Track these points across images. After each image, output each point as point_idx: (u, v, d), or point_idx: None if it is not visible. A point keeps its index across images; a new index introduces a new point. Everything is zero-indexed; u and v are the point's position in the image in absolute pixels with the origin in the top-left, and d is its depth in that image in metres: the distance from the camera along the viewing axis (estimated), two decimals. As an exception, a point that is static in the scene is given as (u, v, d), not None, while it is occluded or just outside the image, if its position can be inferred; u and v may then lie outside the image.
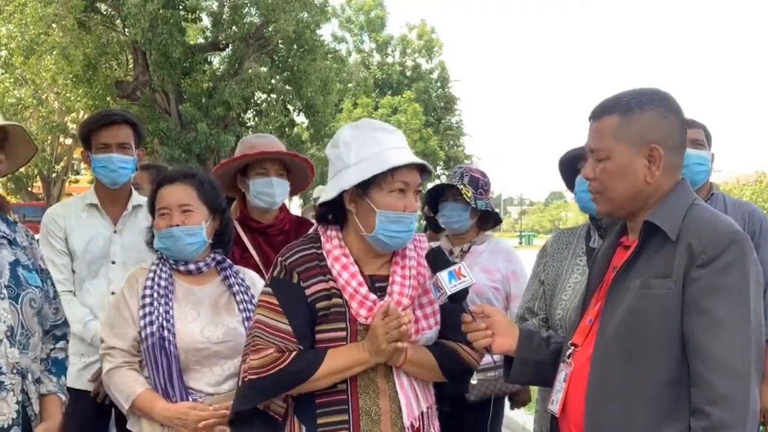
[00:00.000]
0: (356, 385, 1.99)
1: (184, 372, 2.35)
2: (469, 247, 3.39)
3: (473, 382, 3.12)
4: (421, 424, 2.04)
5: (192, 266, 2.46)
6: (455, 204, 3.32)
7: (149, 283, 2.41)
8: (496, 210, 3.47)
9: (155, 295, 2.38)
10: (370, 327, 1.96)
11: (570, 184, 2.75)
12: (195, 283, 2.47)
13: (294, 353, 1.96)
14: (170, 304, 2.38)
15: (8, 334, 1.96)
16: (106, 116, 3.05)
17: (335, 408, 1.98)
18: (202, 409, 2.28)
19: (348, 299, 1.99)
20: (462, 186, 3.29)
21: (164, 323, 2.33)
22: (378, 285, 2.04)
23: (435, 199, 3.45)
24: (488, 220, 3.44)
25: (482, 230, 3.47)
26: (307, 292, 1.99)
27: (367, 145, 2.02)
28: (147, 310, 2.36)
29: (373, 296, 2.00)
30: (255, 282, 2.59)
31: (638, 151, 1.75)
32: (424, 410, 2.05)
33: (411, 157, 2.01)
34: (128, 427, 2.37)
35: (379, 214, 1.98)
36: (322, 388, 1.98)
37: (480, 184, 3.35)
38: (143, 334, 2.33)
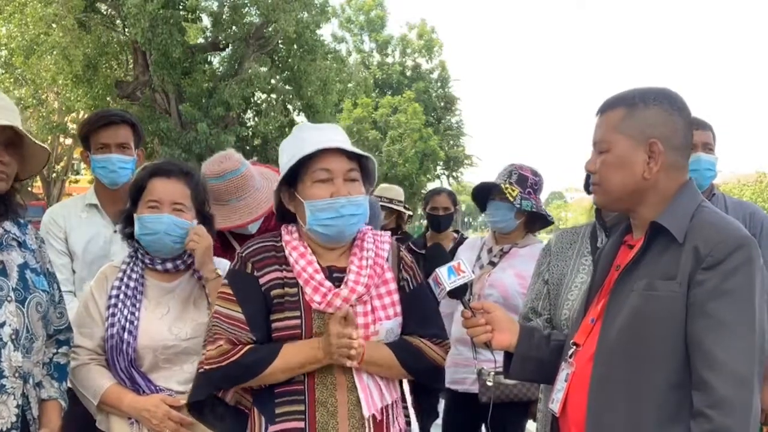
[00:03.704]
0: (313, 377, 1.99)
1: (153, 371, 2.32)
2: (510, 248, 3.34)
3: (488, 383, 3.09)
4: (384, 417, 2.03)
5: (169, 265, 2.42)
6: (501, 203, 3.27)
7: (117, 283, 2.38)
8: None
9: (121, 295, 2.35)
10: (326, 328, 1.95)
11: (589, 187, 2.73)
12: (166, 280, 2.43)
13: (248, 346, 1.98)
14: (137, 305, 2.35)
15: (13, 337, 1.95)
16: (105, 116, 3.04)
17: (292, 398, 1.99)
18: (172, 402, 2.26)
19: (303, 285, 2.01)
20: (508, 185, 3.23)
21: (126, 325, 2.30)
22: (336, 275, 2.05)
23: (482, 197, 3.40)
24: (536, 221, 3.37)
25: (530, 231, 3.40)
26: (261, 281, 2.03)
27: (294, 147, 2.07)
28: (111, 311, 2.33)
29: (328, 283, 2.01)
30: (227, 268, 2.55)
31: (638, 145, 1.74)
32: (389, 403, 2.04)
33: (323, 145, 2.01)
34: (97, 425, 2.33)
35: (307, 205, 2.03)
36: (274, 382, 1.99)
37: (529, 183, 3.26)
38: (106, 336, 2.32)
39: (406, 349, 2.06)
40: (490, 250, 3.42)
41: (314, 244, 2.09)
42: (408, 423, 2.16)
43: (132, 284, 2.37)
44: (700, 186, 3.06)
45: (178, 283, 2.43)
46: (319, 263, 2.06)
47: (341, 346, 1.91)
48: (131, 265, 2.42)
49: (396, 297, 2.09)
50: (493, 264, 3.35)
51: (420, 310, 2.10)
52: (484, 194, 3.40)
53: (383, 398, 2.03)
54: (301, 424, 1.96)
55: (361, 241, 2.12)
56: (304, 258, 2.04)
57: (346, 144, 2.06)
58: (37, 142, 2.01)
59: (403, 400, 2.17)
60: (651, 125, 1.74)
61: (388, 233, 2.22)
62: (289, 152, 2.08)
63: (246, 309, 2.00)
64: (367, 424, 1.98)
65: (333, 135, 2.08)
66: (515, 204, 3.19)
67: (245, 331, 1.99)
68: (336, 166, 2.02)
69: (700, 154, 3.05)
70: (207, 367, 2.00)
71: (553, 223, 3.47)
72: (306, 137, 2.08)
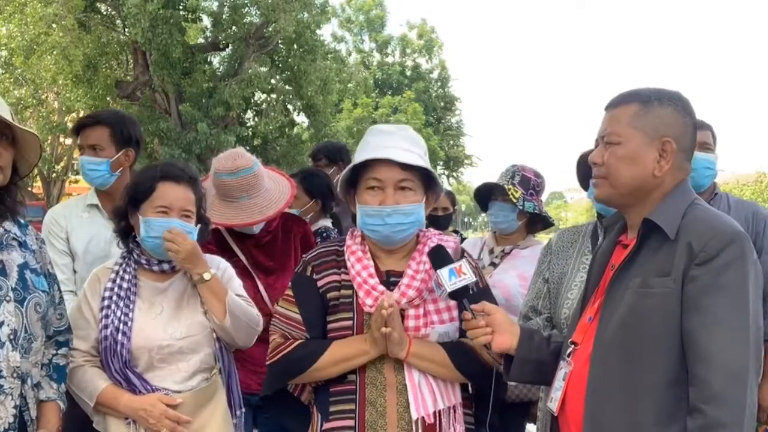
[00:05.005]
0: (364, 377, 2.05)
1: (149, 371, 2.32)
2: (511, 250, 3.34)
3: None
4: (438, 422, 2.03)
5: (166, 266, 2.41)
6: (503, 204, 3.27)
7: (110, 284, 2.37)
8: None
9: (114, 297, 2.34)
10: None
11: (585, 183, 2.73)
12: (159, 280, 2.43)
13: (298, 341, 2.08)
14: (131, 305, 2.34)
15: (11, 337, 1.94)
16: (81, 119, 3.11)
17: (344, 397, 2.06)
18: (169, 401, 2.26)
19: (356, 288, 2.07)
20: (510, 186, 3.23)
21: (120, 326, 2.30)
22: (393, 279, 2.11)
23: (484, 197, 3.41)
24: (537, 222, 3.37)
25: (531, 233, 3.40)
26: (319, 283, 2.12)
27: (359, 150, 2.13)
28: (104, 312, 2.33)
29: (381, 287, 2.06)
30: (220, 266, 2.53)
31: (651, 143, 1.75)
32: (442, 408, 2.05)
33: (378, 154, 2.05)
34: (95, 426, 2.33)
35: (358, 209, 2.11)
36: (327, 377, 2.06)
37: (531, 184, 3.26)
38: (99, 337, 2.32)
39: (459, 349, 2.08)
40: (491, 251, 3.42)
41: (375, 247, 2.15)
42: (470, 431, 2.14)
43: (125, 285, 2.37)
44: (699, 185, 3.06)
45: (171, 282, 2.43)
46: (378, 267, 2.12)
47: (376, 316, 1.96)
48: (123, 266, 2.41)
49: (453, 302, 2.08)
50: (494, 265, 3.35)
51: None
52: (486, 194, 3.40)
53: (436, 402, 2.04)
54: (351, 423, 2.02)
55: (423, 245, 2.15)
56: (360, 262, 2.10)
57: (404, 153, 2.05)
58: (26, 128, 2.00)
59: (468, 407, 2.16)
60: (665, 124, 1.75)
61: (455, 237, 2.24)
62: (357, 154, 2.13)
63: (303, 310, 2.11)
64: (414, 427, 2.00)
65: (394, 142, 2.08)
66: (518, 205, 3.19)
67: (301, 331, 2.10)
68: (387, 175, 2.06)
69: (697, 152, 3.05)
70: (268, 362, 2.14)
71: (553, 224, 3.48)
72: (370, 141, 2.11)
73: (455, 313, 2.10)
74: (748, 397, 1.58)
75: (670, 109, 1.76)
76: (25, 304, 2.01)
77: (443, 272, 1.95)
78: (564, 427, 1.85)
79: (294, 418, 2.24)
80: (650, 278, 1.68)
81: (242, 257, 3.02)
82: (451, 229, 5.13)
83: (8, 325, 1.94)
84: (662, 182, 1.76)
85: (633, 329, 1.68)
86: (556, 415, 1.87)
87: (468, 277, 1.94)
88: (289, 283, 2.20)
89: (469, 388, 2.16)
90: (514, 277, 3.23)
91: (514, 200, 3.19)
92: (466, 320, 1.95)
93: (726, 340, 1.59)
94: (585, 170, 2.70)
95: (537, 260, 3.19)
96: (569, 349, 1.86)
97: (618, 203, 1.85)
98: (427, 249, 2.12)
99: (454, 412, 2.08)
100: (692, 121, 1.80)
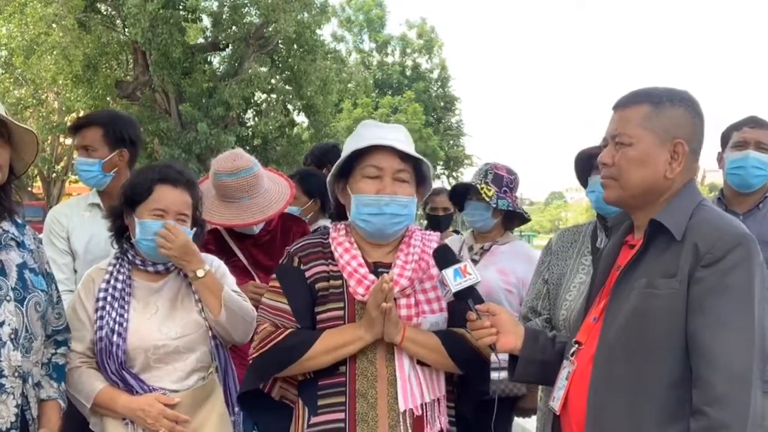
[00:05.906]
0: (355, 369, 2.03)
1: (145, 371, 2.32)
2: (490, 246, 3.37)
3: None
4: (425, 414, 2.03)
5: (161, 267, 2.41)
6: (478, 203, 3.31)
7: (104, 285, 2.36)
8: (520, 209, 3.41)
9: (109, 298, 2.34)
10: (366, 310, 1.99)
11: (583, 181, 2.73)
12: (153, 280, 2.42)
13: (289, 330, 2.04)
14: (125, 306, 2.34)
15: (12, 336, 1.94)
16: (76, 120, 3.12)
17: (334, 390, 2.03)
18: (166, 401, 2.26)
19: (347, 278, 2.05)
20: (484, 185, 3.27)
21: (115, 327, 2.29)
22: (381, 270, 2.09)
23: (460, 197, 3.45)
24: (513, 219, 3.41)
25: (507, 229, 3.44)
26: (307, 274, 2.08)
27: (351, 142, 2.11)
28: (99, 314, 2.32)
29: (371, 276, 2.05)
30: (213, 263, 2.52)
31: (663, 144, 1.74)
32: (428, 401, 2.05)
33: (376, 141, 2.04)
34: (91, 427, 2.33)
35: (353, 199, 2.08)
36: (318, 367, 2.03)
37: (504, 182, 3.30)
38: (95, 339, 2.31)
39: (451, 336, 2.08)
40: (471, 248, 3.45)
41: (362, 240, 2.14)
42: (452, 424, 2.14)
43: (119, 286, 2.36)
44: (748, 185, 3.02)
45: (165, 282, 2.42)
46: (365, 259, 2.10)
47: (375, 294, 1.95)
48: (117, 266, 2.41)
49: (441, 293, 2.09)
50: (474, 262, 3.38)
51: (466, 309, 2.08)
52: (461, 195, 3.44)
53: (423, 395, 2.04)
54: (341, 415, 2.00)
55: (409, 239, 2.15)
56: (348, 253, 2.09)
57: (402, 144, 2.06)
58: (22, 125, 1.99)
59: (450, 401, 2.16)
60: (677, 125, 1.74)
61: (436, 234, 2.25)
62: (347, 147, 2.12)
63: (292, 301, 2.07)
64: (402, 419, 2.00)
65: (390, 134, 2.09)
66: (491, 203, 3.23)
67: (291, 321, 2.06)
68: (386, 164, 2.05)
69: (749, 151, 3.02)
70: (254, 355, 2.07)
71: (530, 220, 3.52)
72: (364, 133, 2.11)
73: (444, 303, 2.11)
74: (752, 400, 1.57)
75: (682, 110, 1.75)
76: (25, 303, 2.01)
77: (448, 272, 1.95)
78: (566, 427, 1.84)
79: (265, 416, 2.20)
80: (656, 279, 1.67)
81: (242, 257, 3.03)
82: (451, 229, 5.13)
83: (9, 324, 1.94)
84: (673, 183, 1.75)
85: (637, 330, 1.68)
86: (558, 414, 1.87)
87: (473, 278, 1.94)
88: (275, 275, 2.15)
89: (453, 379, 2.16)
90: (494, 272, 3.26)
91: (488, 199, 3.22)
92: (471, 320, 1.95)
93: (730, 342, 1.58)
94: (583, 167, 2.70)
95: (516, 255, 3.26)
96: (573, 349, 1.86)
97: (627, 204, 1.83)
98: (413, 242, 2.14)
99: (439, 404, 2.09)
100: (701, 122, 1.78)
